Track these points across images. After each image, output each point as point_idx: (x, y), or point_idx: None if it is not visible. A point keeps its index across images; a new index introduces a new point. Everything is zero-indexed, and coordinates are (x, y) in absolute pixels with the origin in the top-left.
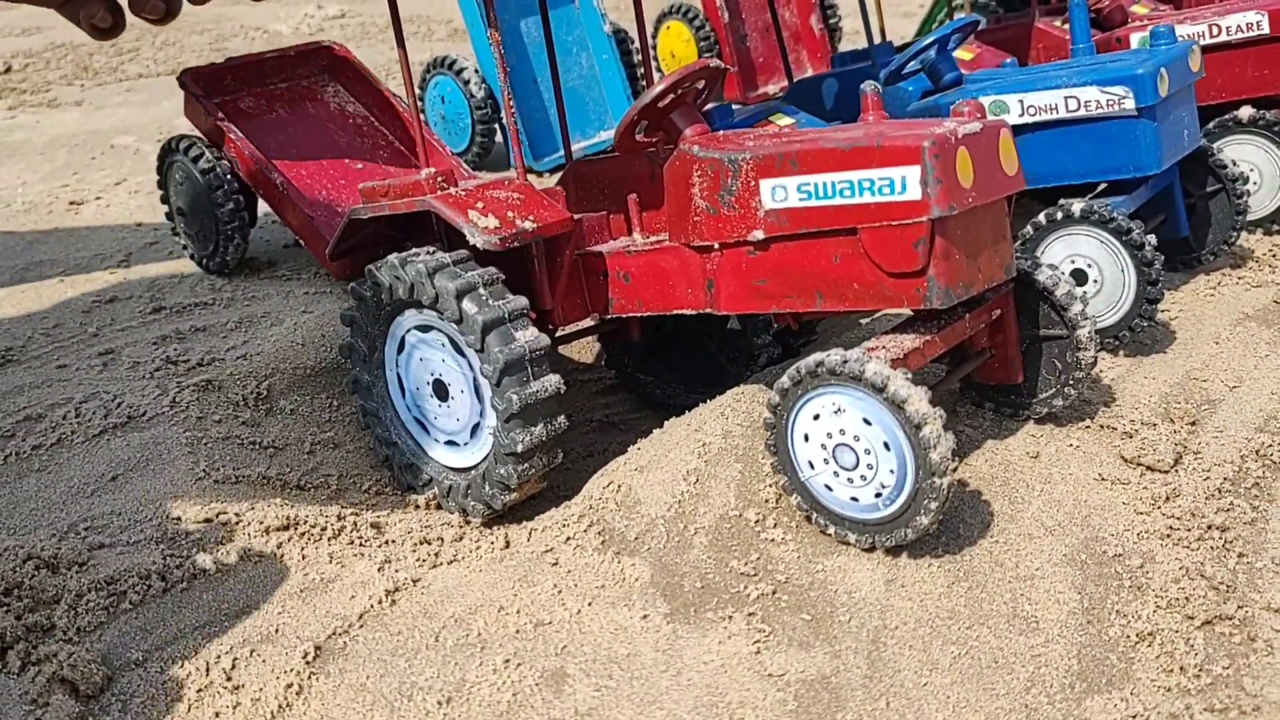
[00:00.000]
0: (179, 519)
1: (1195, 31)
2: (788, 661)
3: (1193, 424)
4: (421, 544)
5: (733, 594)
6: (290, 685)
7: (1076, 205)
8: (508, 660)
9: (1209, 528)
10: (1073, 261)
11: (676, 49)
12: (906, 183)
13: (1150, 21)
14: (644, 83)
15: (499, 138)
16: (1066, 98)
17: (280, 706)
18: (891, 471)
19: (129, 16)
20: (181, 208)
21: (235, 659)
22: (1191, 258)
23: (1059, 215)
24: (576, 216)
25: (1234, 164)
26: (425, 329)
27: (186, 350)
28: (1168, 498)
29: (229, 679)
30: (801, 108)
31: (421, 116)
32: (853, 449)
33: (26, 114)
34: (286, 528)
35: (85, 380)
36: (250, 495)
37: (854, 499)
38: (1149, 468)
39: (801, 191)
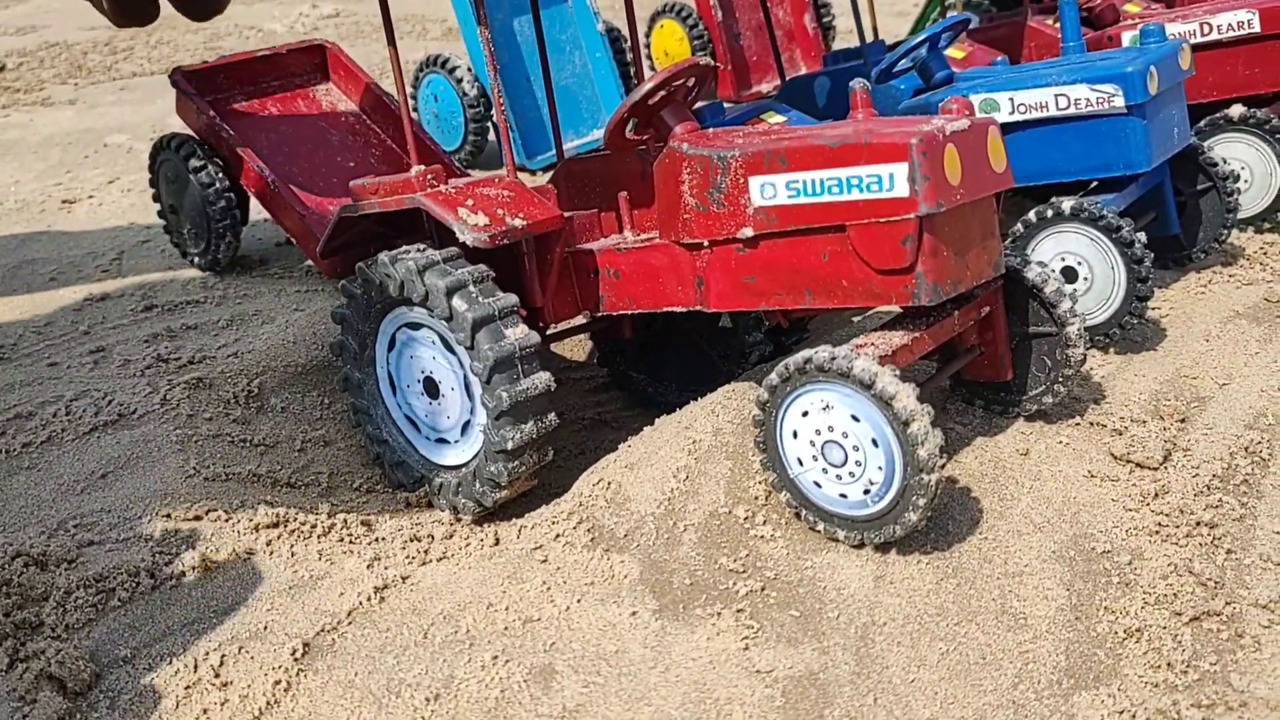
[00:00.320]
0: (168, 516)
1: (1186, 30)
2: (776, 658)
3: (1182, 421)
4: (411, 541)
5: (721, 591)
6: (279, 682)
7: (1066, 203)
8: (496, 657)
9: (1198, 524)
10: (1063, 259)
11: (670, 47)
12: (894, 180)
13: (1142, 20)
14: (636, 81)
15: (492, 136)
16: (1057, 96)
17: (268, 703)
18: (880, 468)
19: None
20: (174, 206)
21: (224, 656)
22: (1182, 255)
23: (1049, 213)
24: (567, 214)
25: (1224, 162)
26: (416, 326)
27: (177, 348)
28: (1157, 494)
29: (217, 676)
30: (794, 106)
31: (414, 115)
32: (841, 445)
33: (20, 112)
34: (276, 525)
35: (76, 378)
36: (240, 493)
37: (842, 495)
38: (1138, 465)
39: (790, 189)
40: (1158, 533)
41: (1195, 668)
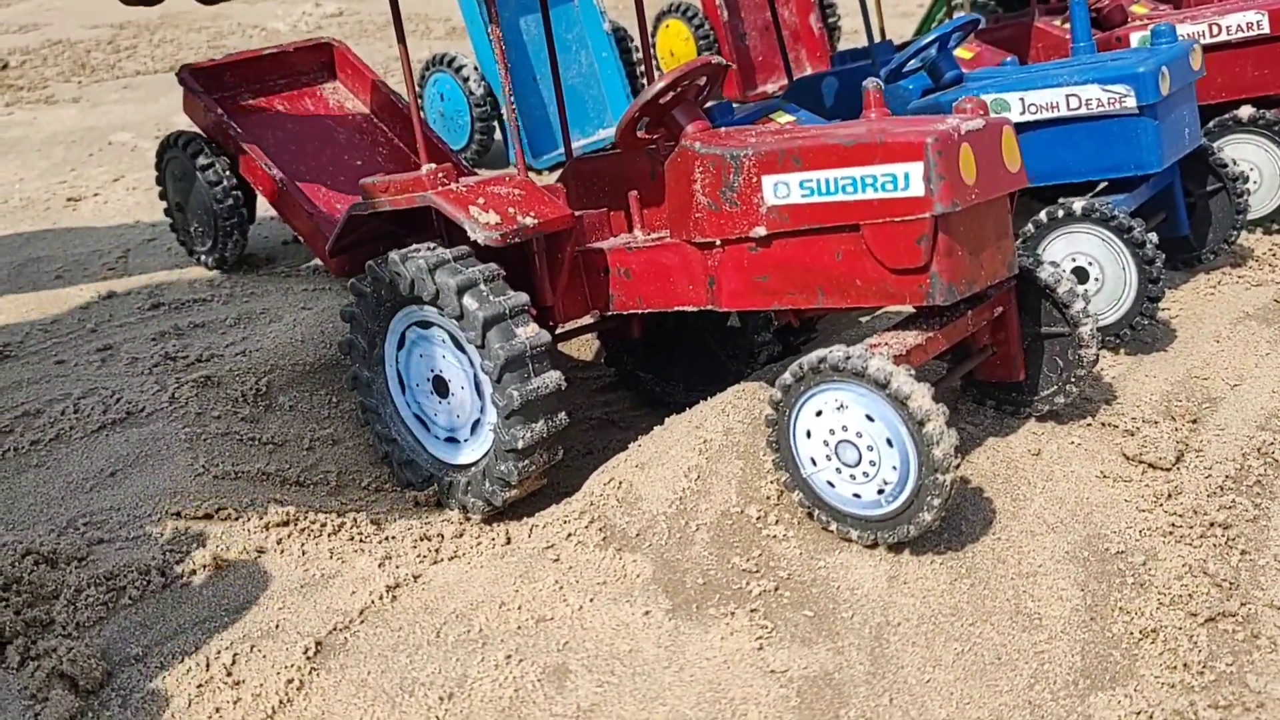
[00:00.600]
0: (178, 515)
1: (1195, 31)
2: (790, 658)
3: (1194, 422)
4: (422, 540)
5: (735, 590)
6: (291, 681)
7: (1077, 203)
8: (509, 656)
9: (1211, 525)
10: (1074, 260)
11: (676, 47)
12: (909, 179)
13: (1150, 21)
14: (644, 81)
15: (498, 136)
16: (1068, 96)
17: (281, 702)
18: (894, 468)
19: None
20: (180, 204)
21: (235, 654)
22: (1192, 256)
23: (1060, 213)
24: (577, 213)
25: (1234, 163)
26: (425, 325)
27: (185, 346)
28: (1170, 495)
29: (229, 674)
30: (801, 106)
31: (421, 114)
32: (855, 445)
33: (24, 110)
34: (286, 523)
35: (84, 376)
36: (250, 491)
37: (856, 495)
38: (1151, 465)
39: (804, 188)
40: (1171, 533)
41: (1211, 668)
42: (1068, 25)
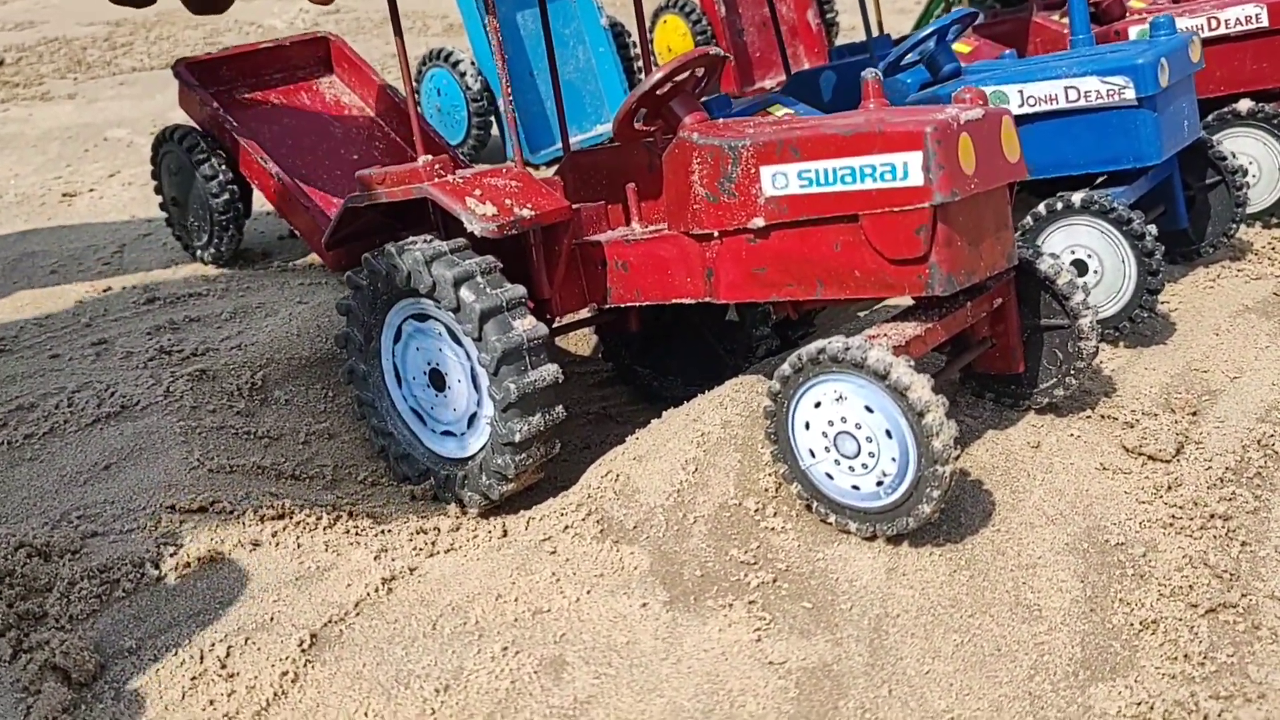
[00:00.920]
0: (173, 508)
1: (1194, 24)
2: (789, 649)
3: (1194, 414)
4: (418, 533)
5: (733, 582)
6: (286, 673)
7: (1076, 195)
8: (506, 648)
9: (1211, 516)
10: (1073, 252)
11: (673, 43)
12: (909, 168)
13: (1148, 14)
14: (641, 77)
15: (494, 131)
16: (1066, 88)
17: (276, 694)
18: (893, 459)
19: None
20: (176, 198)
21: (230, 647)
22: (1191, 249)
23: (1059, 205)
24: (575, 206)
25: (1233, 156)
26: (422, 318)
27: (180, 340)
28: (1170, 487)
29: (223, 667)
30: (799, 101)
31: (418, 108)
32: (854, 437)
33: (19, 107)
34: (281, 517)
35: (78, 370)
36: (245, 485)
37: (855, 487)
38: (1150, 457)
39: (802, 178)
40: (1171, 525)
41: (1212, 659)
42: (1066, 20)
